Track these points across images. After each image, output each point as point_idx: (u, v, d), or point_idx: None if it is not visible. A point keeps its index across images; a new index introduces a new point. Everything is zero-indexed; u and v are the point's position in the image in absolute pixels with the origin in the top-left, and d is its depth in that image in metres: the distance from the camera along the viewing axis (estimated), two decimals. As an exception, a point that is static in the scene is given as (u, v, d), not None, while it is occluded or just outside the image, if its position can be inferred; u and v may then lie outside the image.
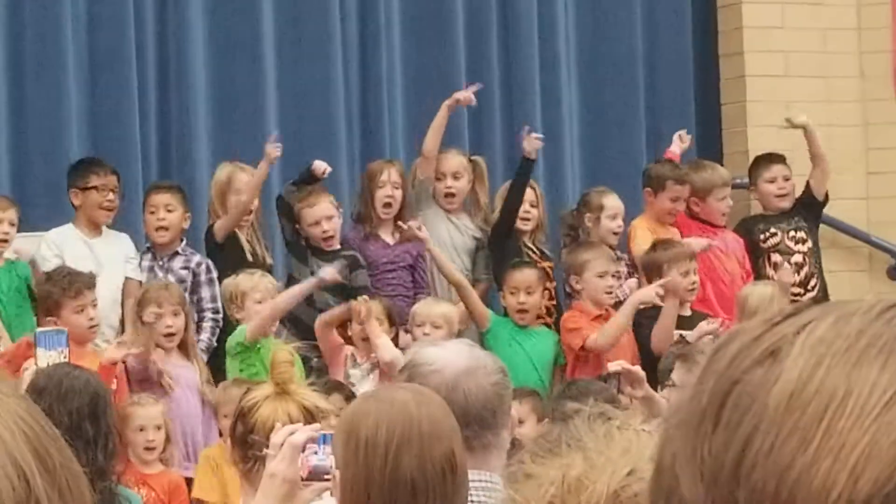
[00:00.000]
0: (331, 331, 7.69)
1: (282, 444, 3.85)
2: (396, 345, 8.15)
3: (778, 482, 0.92)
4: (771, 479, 0.93)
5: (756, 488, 0.94)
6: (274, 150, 8.46)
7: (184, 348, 7.95)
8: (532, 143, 8.88)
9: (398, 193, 8.73)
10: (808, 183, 9.35)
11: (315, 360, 8.35)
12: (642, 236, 9.11)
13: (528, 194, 9.04)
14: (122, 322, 8.35)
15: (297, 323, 8.49)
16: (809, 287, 9.35)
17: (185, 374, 7.94)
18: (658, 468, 1.02)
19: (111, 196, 8.32)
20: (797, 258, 9.41)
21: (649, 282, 8.64)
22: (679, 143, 9.64)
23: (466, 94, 9.15)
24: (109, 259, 8.35)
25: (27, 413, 1.20)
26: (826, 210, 9.68)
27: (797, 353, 0.95)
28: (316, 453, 3.83)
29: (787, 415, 0.93)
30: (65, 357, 6.98)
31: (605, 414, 2.09)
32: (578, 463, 2.01)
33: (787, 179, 9.35)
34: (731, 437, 0.95)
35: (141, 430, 7.22)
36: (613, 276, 8.79)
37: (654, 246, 8.80)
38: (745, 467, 0.94)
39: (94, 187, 8.25)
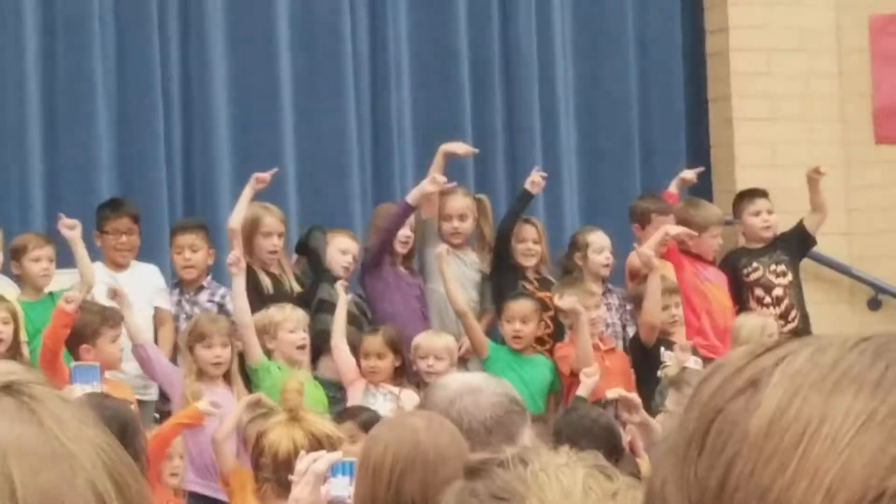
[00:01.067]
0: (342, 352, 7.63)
1: (304, 472, 3.92)
2: (401, 374, 8.24)
3: (759, 503, 0.93)
4: (752, 501, 0.94)
5: None
6: (264, 178, 8.41)
7: (227, 377, 8.12)
8: (536, 181, 8.93)
9: (411, 233, 8.85)
10: (801, 221, 9.37)
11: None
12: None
13: (531, 231, 9.14)
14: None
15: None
16: (790, 319, 9.31)
17: (227, 403, 8.00)
18: (649, 492, 1.04)
19: (123, 239, 8.52)
20: (778, 291, 9.37)
21: (637, 311, 8.72)
22: (679, 183, 9.61)
23: (466, 149, 9.17)
24: (137, 291, 8.42)
25: (105, 443, 1.23)
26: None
27: (776, 383, 0.96)
28: (337, 479, 3.96)
29: (766, 440, 0.95)
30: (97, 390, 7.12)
31: (523, 458, 2.03)
32: None
33: (770, 213, 9.35)
34: (715, 461, 0.96)
35: (169, 458, 7.30)
36: (599, 305, 8.84)
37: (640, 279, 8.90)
38: (728, 490, 0.95)
39: (107, 231, 8.49)
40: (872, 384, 0.95)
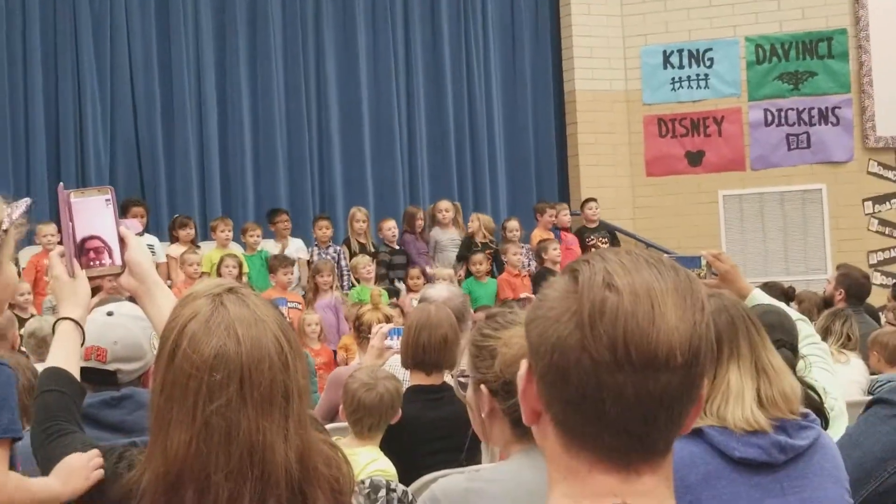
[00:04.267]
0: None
1: (376, 333, 4.70)
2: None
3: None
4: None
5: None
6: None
7: (331, 288, 9.76)
8: None
9: (422, 222, 11.05)
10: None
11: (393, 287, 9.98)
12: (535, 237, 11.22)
13: (475, 224, 11.03)
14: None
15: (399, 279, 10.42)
16: None
17: (330, 301, 9.76)
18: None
19: (286, 223, 10.49)
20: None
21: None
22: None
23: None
24: (291, 252, 10.35)
25: (279, 315, 1.70)
26: (616, 224, 12.11)
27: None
28: (391, 339, 4.60)
29: None
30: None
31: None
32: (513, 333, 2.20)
33: (596, 209, 11.75)
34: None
35: (308, 325, 8.74)
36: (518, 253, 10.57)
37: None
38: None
39: (278, 222, 10.41)
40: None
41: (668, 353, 1.26)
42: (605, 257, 1.31)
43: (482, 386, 2.29)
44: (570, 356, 1.25)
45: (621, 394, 1.26)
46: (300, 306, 9.71)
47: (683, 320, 1.28)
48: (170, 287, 3.45)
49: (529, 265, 11.05)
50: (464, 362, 2.36)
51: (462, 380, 2.39)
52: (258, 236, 10.40)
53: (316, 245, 10.75)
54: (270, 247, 10.51)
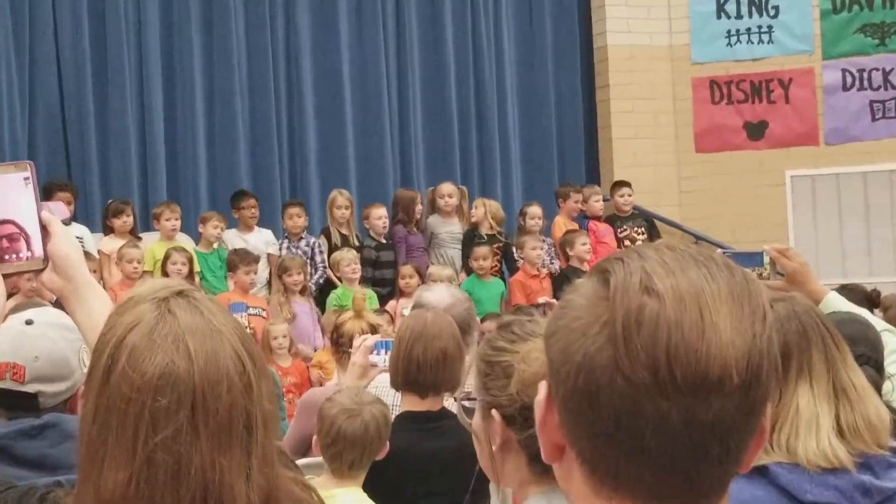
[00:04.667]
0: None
1: (359, 346, 4.66)
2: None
3: None
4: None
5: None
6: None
7: (303, 292, 10.27)
8: None
9: (422, 207, 11.30)
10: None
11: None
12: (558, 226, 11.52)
13: (480, 210, 11.23)
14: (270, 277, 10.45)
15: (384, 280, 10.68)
16: None
17: (303, 306, 10.19)
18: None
19: (253, 211, 10.82)
20: (638, 243, 11.16)
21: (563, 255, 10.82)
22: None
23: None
24: (258, 245, 10.75)
25: (238, 325, 1.76)
26: (657, 211, 12.51)
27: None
28: (378, 353, 4.61)
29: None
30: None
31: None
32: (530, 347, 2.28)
33: (630, 195, 12.16)
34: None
35: (274, 338, 9.19)
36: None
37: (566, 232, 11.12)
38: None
39: (244, 207, 10.84)
40: None
41: (722, 372, 1.27)
42: (643, 255, 1.33)
43: (493, 412, 2.31)
44: (601, 378, 1.26)
45: (664, 424, 1.27)
46: (264, 313, 9.92)
47: (740, 332, 1.29)
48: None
49: (551, 263, 11.27)
50: (470, 383, 2.38)
51: (467, 404, 2.41)
52: (222, 229, 10.61)
53: (286, 237, 10.93)
54: (231, 238, 10.70)
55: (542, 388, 1.35)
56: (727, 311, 1.29)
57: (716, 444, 1.29)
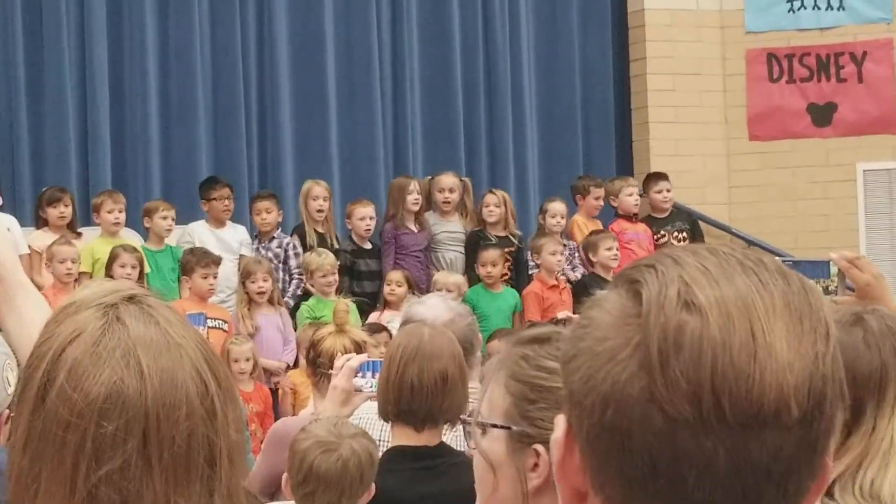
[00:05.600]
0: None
1: (341, 367, 4.77)
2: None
3: None
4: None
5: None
6: None
7: (271, 301, 10.34)
8: None
9: (420, 198, 11.22)
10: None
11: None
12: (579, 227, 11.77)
13: (492, 199, 11.42)
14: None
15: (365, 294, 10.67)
16: None
17: (271, 318, 10.30)
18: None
19: (227, 203, 10.85)
20: None
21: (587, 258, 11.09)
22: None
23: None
24: (230, 242, 10.88)
25: (200, 338, 1.77)
26: (701, 210, 12.75)
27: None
28: (363, 376, 4.73)
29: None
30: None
31: None
32: None
33: (668, 191, 12.32)
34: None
35: (235, 361, 9.30)
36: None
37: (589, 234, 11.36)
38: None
39: (215, 198, 10.83)
40: None
41: (779, 402, 1.28)
42: (680, 260, 1.32)
43: (537, 447, 2.31)
44: (633, 411, 1.27)
45: (710, 467, 1.28)
46: (226, 326, 10.04)
47: (800, 353, 1.29)
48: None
49: (573, 270, 11.53)
50: (485, 408, 2.38)
51: (478, 430, 2.41)
52: (172, 220, 10.68)
53: (256, 236, 11.11)
54: (201, 233, 10.84)
55: (560, 423, 1.35)
56: (783, 328, 1.29)
57: (772, 487, 1.30)
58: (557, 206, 11.70)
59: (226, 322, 10.12)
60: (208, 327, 9.51)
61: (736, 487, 1.29)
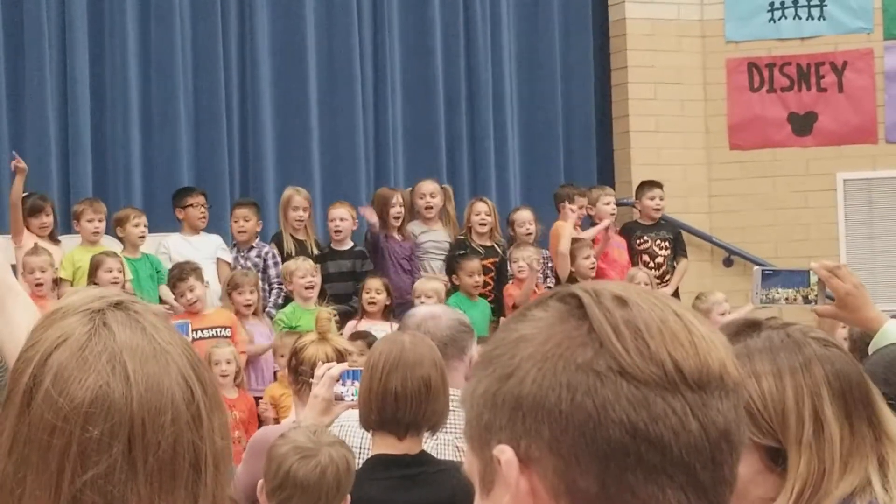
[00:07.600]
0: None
1: (322, 376, 4.77)
2: (389, 312, 9.85)
3: None
4: None
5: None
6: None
7: (256, 312, 10.36)
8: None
9: (403, 210, 11.28)
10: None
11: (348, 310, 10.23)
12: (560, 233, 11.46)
13: (483, 207, 11.43)
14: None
15: (335, 296, 10.48)
16: (665, 280, 11.85)
17: (258, 328, 10.31)
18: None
19: (202, 210, 10.87)
20: (659, 259, 11.98)
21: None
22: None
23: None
24: (205, 251, 10.87)
25: (187, 344, 1.79)
26: (683, 220, 12.75)
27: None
28: (344, 384, 4.74)
29: None
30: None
31: None
32: None
33: (661, 199, 12.31)
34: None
35: (216, 364, 9.16)
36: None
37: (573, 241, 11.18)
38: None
39: (191, 205, 10.84)
40: None
41: (720, 365, 1.39)
42: (600, 283, 1.45)
43: None
44: (604, 387, 1.33)
45: (683, 425, 1.37)
46: (228, 332, 10.06)
47: (716, 335, 1.42)
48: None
49: (547, 279, 11.47)
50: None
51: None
52: (144, 227, 10.63)
53: (235, 245, 11.10)
54: (176, 244, 10.80)
55: (505, 452, 1.37)
56: (695, 318, 1.43)
57: (728, 453, 1.39)
58: (525, 215, 11.69)
59: (228, 328, 10.07)
60: (193, 337, 9.50)
61: (705, 450, 1.37)
